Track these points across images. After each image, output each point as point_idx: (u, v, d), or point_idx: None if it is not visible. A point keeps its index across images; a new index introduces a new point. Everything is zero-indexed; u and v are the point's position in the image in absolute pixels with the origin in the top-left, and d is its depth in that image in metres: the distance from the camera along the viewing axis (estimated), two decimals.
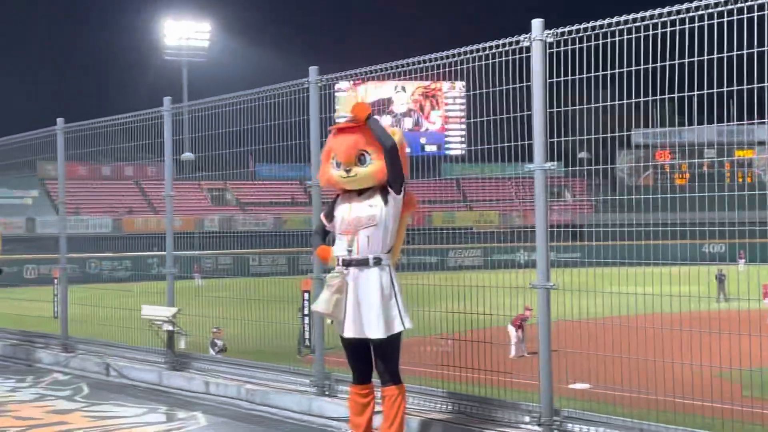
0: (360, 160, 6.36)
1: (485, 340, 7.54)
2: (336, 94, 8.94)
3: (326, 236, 6.77)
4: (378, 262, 6.29)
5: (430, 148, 73.79)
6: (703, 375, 6.88)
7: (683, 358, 6.97)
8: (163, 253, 10.90)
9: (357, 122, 6.37)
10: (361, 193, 6.46)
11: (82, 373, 11.47)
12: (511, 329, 22.34)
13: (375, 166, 6.31)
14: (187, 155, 11.40)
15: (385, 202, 6.32)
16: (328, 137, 6.69)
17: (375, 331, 6.27)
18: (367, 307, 6.28)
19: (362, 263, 6.31)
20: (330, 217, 6.63)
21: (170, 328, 10.62)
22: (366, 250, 6.31)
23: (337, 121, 7.27)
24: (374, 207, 6.33)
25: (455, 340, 7.68)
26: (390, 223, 6.34)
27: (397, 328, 6.31)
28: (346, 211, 6.45)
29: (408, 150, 6.91)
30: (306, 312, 10.11)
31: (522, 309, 19.86)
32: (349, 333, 6.36)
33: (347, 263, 6.36)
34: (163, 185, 10.92)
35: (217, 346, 18.77)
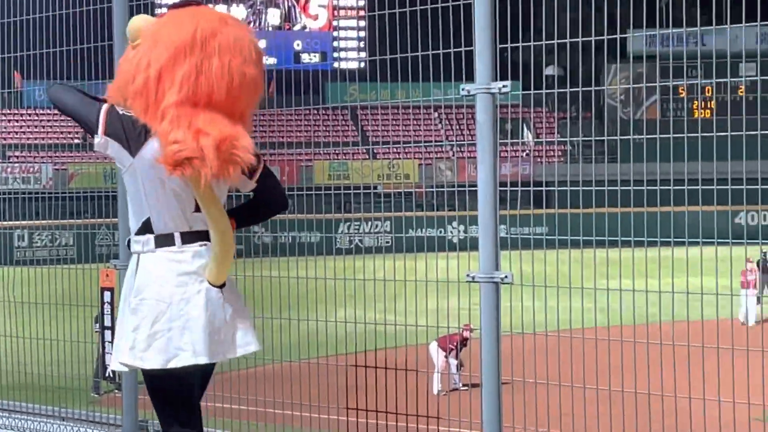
0: None
1: (395, 366, 7.59)
2: None
3: None
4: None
5: (310, 59, 73.64)
6: (737, 418, 7.06)
7: (706, 392, 7.12)
8: None
9: None
10: None
11: None
12: (437, 353, 22.55)
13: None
14: None
15: None
16: None
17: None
18: None
19: None
20: None
21: None
22: None
23: None
24: None
25: (340, 366, 7.71)
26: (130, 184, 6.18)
27: (119, 360, 6.15)
28: None
29: (266, 59, 6.77)
30: (108, 324, 9.98)
31: (452, 323, 19.99)
32: None
33: None
34: None
35: None
